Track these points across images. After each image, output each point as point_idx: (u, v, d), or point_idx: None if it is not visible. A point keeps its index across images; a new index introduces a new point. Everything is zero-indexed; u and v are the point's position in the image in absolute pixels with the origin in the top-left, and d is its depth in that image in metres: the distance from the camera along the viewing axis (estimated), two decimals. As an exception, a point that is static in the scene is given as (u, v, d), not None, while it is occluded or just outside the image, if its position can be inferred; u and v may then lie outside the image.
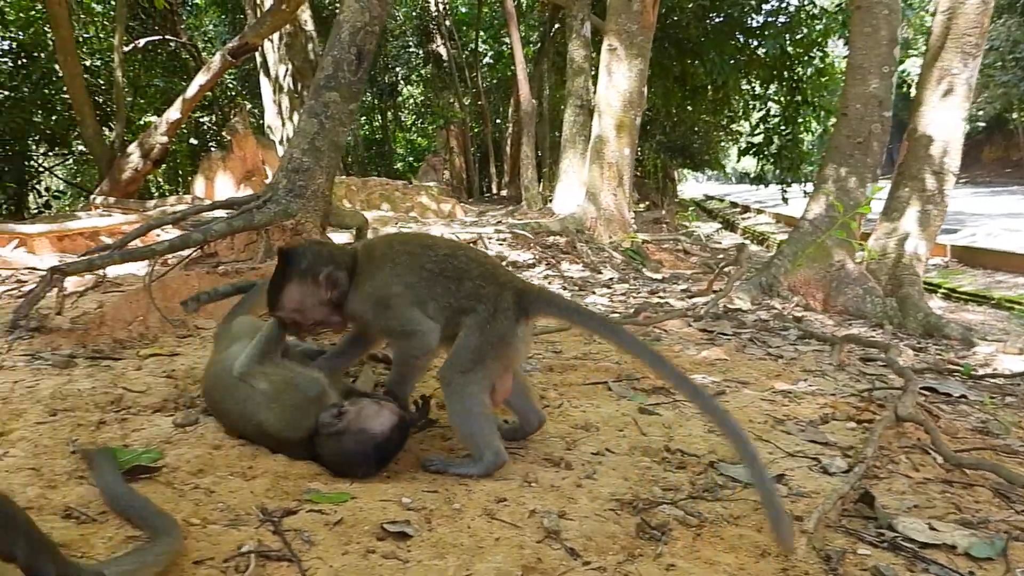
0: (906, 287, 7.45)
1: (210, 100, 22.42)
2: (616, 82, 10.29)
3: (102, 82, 18.80)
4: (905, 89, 22.48)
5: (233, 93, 24.43)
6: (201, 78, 15.22)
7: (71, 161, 22.83)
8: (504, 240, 9.01)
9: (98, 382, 2.87)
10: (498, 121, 27.41)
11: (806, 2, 17.30)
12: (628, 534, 2.16)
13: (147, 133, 15.19)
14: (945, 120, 7.55)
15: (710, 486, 2.50)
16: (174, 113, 14.99)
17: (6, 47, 17.26)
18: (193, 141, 22.95)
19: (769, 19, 17.64)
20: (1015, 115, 31.51)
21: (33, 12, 17.30)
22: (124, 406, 2.73)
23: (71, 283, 4.07)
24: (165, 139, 14.97)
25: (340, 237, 6.05)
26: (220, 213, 4.48)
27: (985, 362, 5.38)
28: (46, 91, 17.65)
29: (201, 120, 23.69)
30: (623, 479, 2.53)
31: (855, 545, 2.13)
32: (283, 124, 17.50)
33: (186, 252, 4.02)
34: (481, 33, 26.23)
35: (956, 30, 7.55)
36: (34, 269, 6.25)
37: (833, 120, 19.94)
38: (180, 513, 2.05)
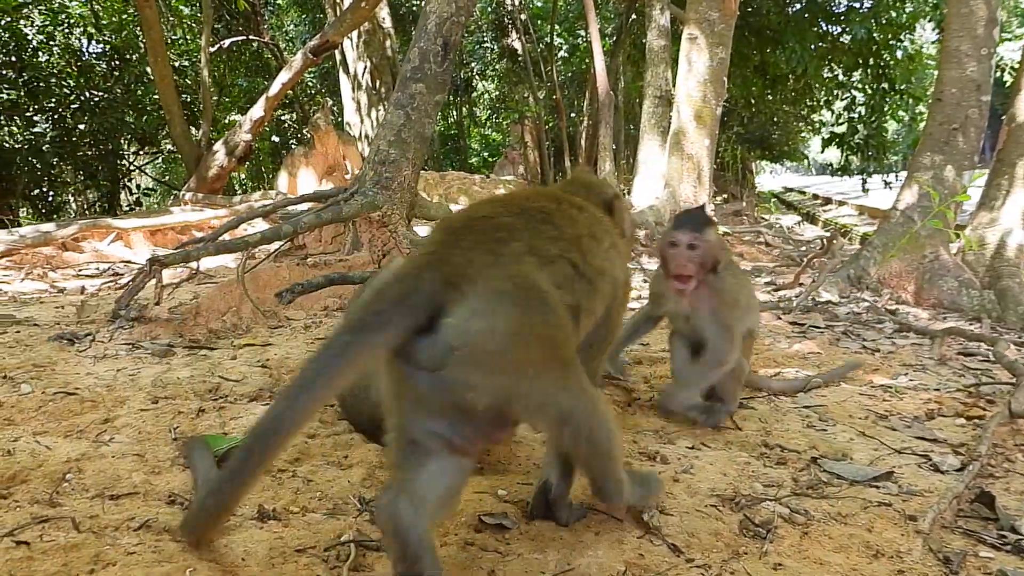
0: (1005, 279, 7.09)
1: (291, 98, 22.94)
2: (696, 72, 10.09)
3: (189, 82, 19.41)
4: (999, 74, 21.42)
5: (313, 91, 24.92)
6: (283, 76, 15.54)
7: (160, 160, 23.68)
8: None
9: (196, 371, 2.94)
10: (573, 115, 27.24)
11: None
12: (732, 531, 2.09)
13: (232, 131, 15.59)
14: (1049, 104, 7.16)
15: (814, 483, 2.40)
16: (258, 111, 15.36)
17: (100, 50, 17.94)
18: (275, 139, 23.53)
19: (854, 4, 17.03)
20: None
21: (126, 16, 17.96)
22: (221, 395, 2.79)
23: (167, 275, 4.16)
24: (249, 137, 15.35)
25: (425, 229, 6.08)
26: (307, 206, 4.54)
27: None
28: (138, 92, 18.33)
29: (283, 118, 24.26)
30: (722, 474, 2.45)
31: (976, 547, 2.02)
32: (361, 121, 17.75)
33: (276, 244, 4.08)
34: (556, 27, 26.07)
35: (1062, 9, 7.15)
36: (129, 262, 6.47)
37: (922, 108, 19.20)
38: (279, 501, 2.07)
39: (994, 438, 2.76)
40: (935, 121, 7.61)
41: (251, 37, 20.64)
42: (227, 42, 19.47)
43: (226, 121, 20.61)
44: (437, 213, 4.89)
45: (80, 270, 6.28)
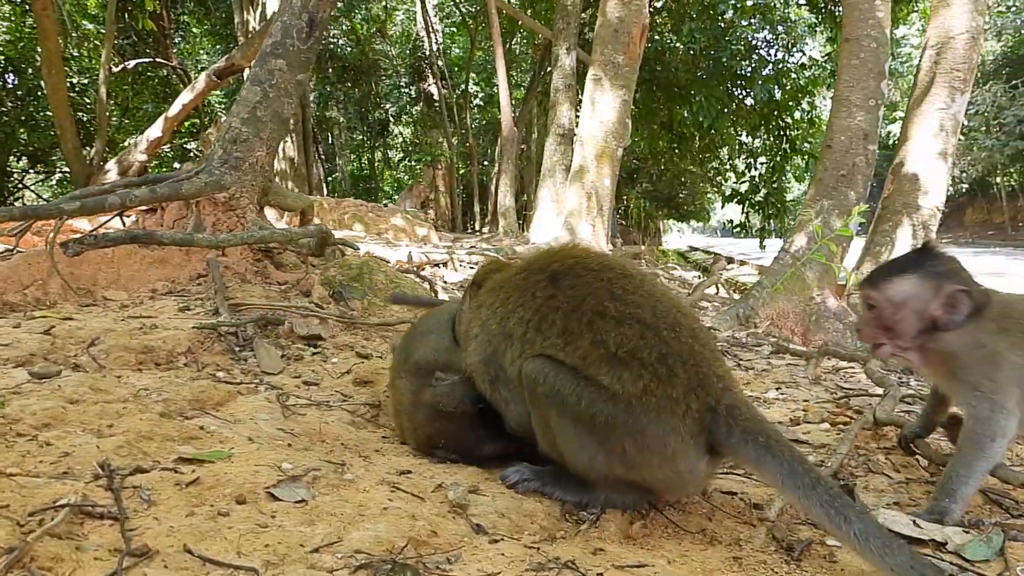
0: (887, 323, 7.15)
1: (198, 127, 22.31)
2: (599, 112, 10.09)
3: (88, 101, 18.63)
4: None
5: (222, 119, 24.28)
6: (185, 97, 14.98)
7: (54, 181, 22.60)
8: (475, 264, 8.68)
9: (-42, 333, 2.50)
10: (486, 163, 27.32)
11: (794, 51, 17.34)
12: (551, 515, 1.80)
13: (127, 151, 14.90)
14: (931, 155, 7.34)
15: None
16: (155, 131, 14.73)
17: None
18: (177, 165, 22.76)
19: (757, 67, 17.60)
20: (998, 179, 31.74)
21: (24, 28, 17.20)
22: (-20, 357, 2.35)
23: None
24: (145, 157, 14.67)
25: (278, 219, 5.72)
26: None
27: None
28: (31, 108, 17.48)
29: (188, 146, 23.53)
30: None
31: (824, 536, 1.77)
32: (266, 149, 17.23)
33: (104, 222, 3.66)
34: (473, 75, 26.25)
35: (944, 65, 7.40)
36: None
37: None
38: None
39: (858, 441, 2.57)
40: (825, 168, 7.70)
41: (158, 60, 20.00)
42: (132, 63, 18.83)
43: (126, 144, 19.87)
44: (295, 203, 4.54)
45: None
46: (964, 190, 35.19)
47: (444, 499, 1.79)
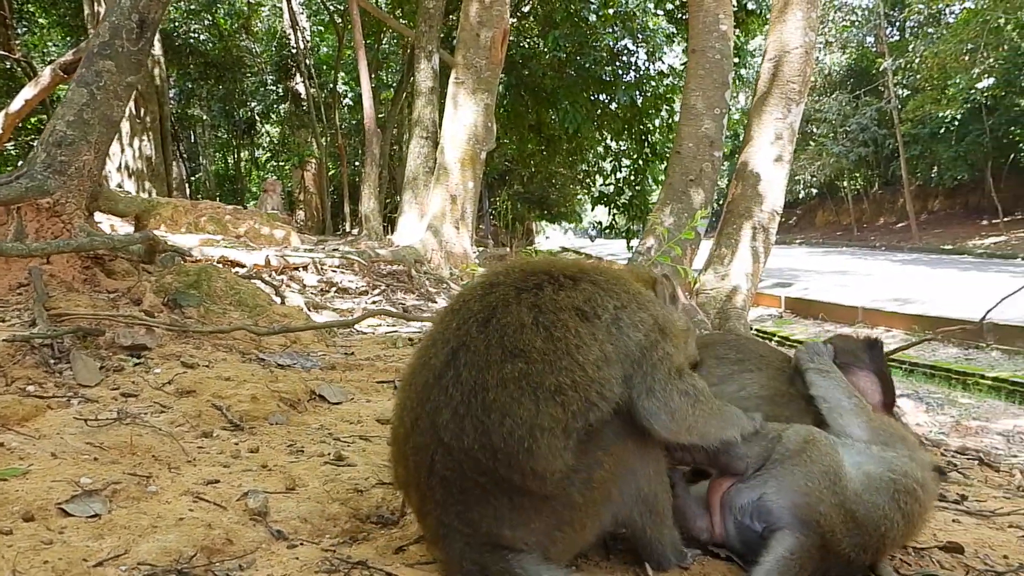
0: (732, 321, 7.57)
1: (45, 123, 21.02)
2: (461, 115, 10.18)
3: (-83, 93, 17.27)
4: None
5: (71, 117, 22.94)
6: (28, 92, 14.03)
7: None
8: (338, 267, 8.59)
9: None
10: (356, 164, 26.99)
11: (655, 59, 18.02)
12: (356, 516, 1.86)
13: (-39, 149, 13.92)
14: (770, 162, 7.79)
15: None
16: (-7, 128, 13.82)
17: None
18: (21, 164, 21.39)
19: (620, 74, 18.18)
20: (845, 183, 33.91)
21: None
22: None
23: None
24: (-18, 155, 13.74)
25: (120, 227, 5.48)
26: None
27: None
28: None
29: (34, 143, 22.16)
30: (384, 465, 2.20)
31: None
32: (122, 150, 16.46)
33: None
34: (342, 74, 25.87)
35: (781, 77, 7.85)
36: None
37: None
38: None
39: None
40: (675, 173, 8.06)
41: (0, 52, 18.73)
42: (-33, 54, 17.57)
43: (-36, 141, 18.42)
44: (128, 208, 4.40)
45: None
46: (815, 194, 37.39)
47: (246, 507, 1.81)
